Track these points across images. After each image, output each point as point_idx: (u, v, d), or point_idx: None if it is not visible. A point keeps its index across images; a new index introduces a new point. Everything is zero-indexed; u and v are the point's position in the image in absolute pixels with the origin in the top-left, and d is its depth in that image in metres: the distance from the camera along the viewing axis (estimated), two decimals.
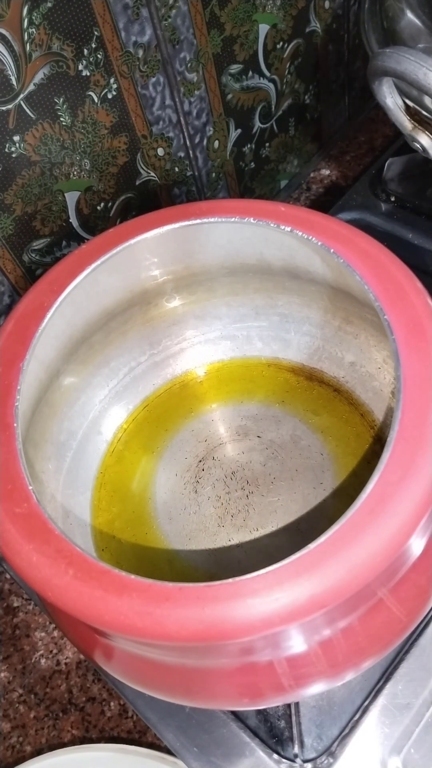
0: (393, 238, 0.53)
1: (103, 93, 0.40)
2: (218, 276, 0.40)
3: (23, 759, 0.41)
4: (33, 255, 0.42)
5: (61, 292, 0.33)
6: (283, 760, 0.37)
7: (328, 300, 0.39)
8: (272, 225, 0.33)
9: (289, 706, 0.38)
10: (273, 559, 0.24)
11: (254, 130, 0.53)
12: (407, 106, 0.44)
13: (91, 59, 0.38)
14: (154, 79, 0.42)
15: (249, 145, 0.54)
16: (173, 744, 0.38)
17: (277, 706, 0.38)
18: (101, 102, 0.40)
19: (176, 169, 0.49)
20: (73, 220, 0.43)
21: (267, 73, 0.51)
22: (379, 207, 0.55)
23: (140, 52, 0.40)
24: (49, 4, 0.34)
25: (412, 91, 0.42)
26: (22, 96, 0.36)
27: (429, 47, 0.44)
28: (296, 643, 0.27)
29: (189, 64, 0.44)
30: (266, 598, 0.23)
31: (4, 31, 0.33)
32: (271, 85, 0.52)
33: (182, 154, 0.48)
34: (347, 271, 0.31)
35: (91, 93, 0.39)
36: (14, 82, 0.35)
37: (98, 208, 0.45)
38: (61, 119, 0.38)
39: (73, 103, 0.38)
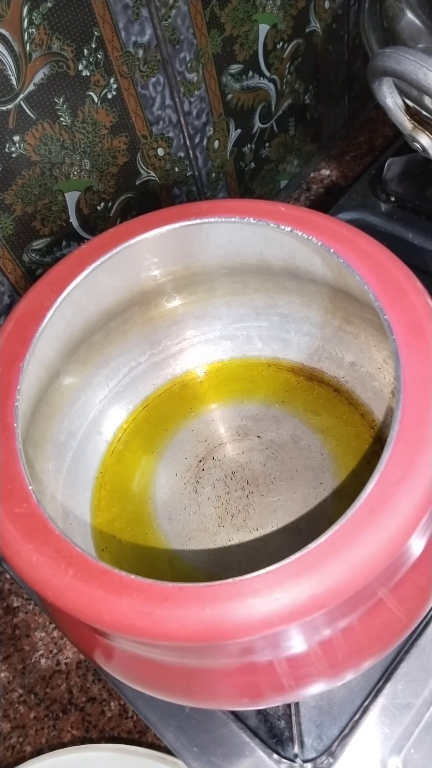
0: (393, 238, 0.53)
1: (103, 93, 0.40)
2: (218, 276, 0.40)
3: (23, 759, 0.41)
4: (33, 255, 0.42)
5: (61, 292, 0.33)
6: (283, 760, 0.37)
7: (328, 300, 0.39)
8: (272, 225, 0.33)
9: (289, 706, 0.38)
10: (273, 559, 0.24)
11: (254, 130, 0.53)
12: (407, 106, 0.44)
13: (91, 59, 0.38)
14: (154, 79, 0.42)
15: (249, 145, 0.54)
16: (173, 744, 0.38)
17: (277, 706, 0.38)
18: (101, 102, 0.40)
19: (176, 169, 0.49)
20: (73, 220, 0.43)
21: (267, 73, 0.51)
22: (379, 207, 0.55)
23: (140, 52, 0.40)
24: (49, 4, 0.34)
25: (412, 91, 0.42)
26: (22, 96, 0.36)
27: (429, 47, 0.44)
28: (296, 643, 0.27)
29: (189, 64, 0.44)
30: (266, 598, 0.23)
31: (4, 31, 0.33)
32: (271, 85, 0.52)
33: (182, 154, 0.48)
34: (347, 271, 0.31)
35: (91, 93, 0.39)
36: (14, 82, 0.35)
37: (98, 208, 0.45)
38: (61, 119, 0.38)
39: (73, 103, 0.38)
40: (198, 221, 0.34)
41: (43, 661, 0.44)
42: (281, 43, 0.50)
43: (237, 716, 0.38)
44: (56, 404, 0.38)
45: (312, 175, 0.64)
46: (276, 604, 0.23)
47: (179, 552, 0.38)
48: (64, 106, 0.38)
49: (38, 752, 0.41)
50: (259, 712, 0.38)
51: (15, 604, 0.47)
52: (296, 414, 0.42)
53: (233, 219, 0.34)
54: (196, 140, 0.49)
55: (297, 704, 0.37)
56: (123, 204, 0.46)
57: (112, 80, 0.40)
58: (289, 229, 0.33)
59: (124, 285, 0.37)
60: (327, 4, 0.53)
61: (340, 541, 0.24)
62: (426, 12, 0.44)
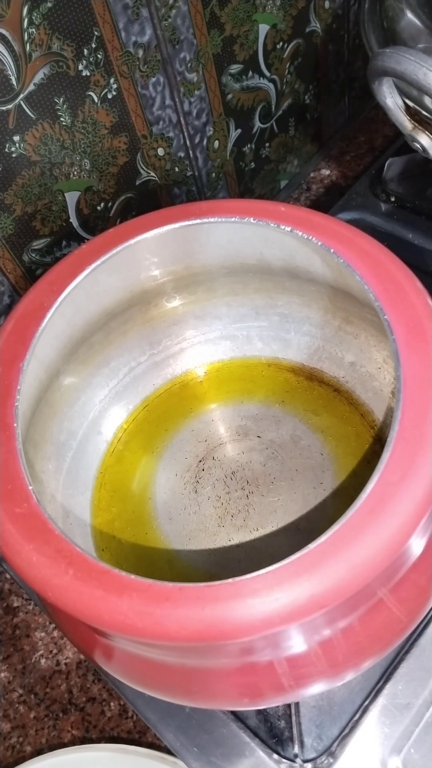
0: (393, 238, 0.53)
1: (103, 93, 0.40)
2: (218, 276, 0.40)
3: (23, 759, 0.41)
4: (33, 255, 0.42)
5: (61, 292, 0.33)
6: (283, 760, 0.37)
7: (328, 300, 0.39)
8: (272, 225, 0.33)
9: (289, 706, 0.38)
10: (273, 559, 0.24)
11: (254, 130, 0.53)
12: (407, 106, 0.44)
13: (91, 59, 0.38)
14: (154, 79, 0.42)
15: (249, 145, 0.54)
16: (173, 744, 0.38)
17: (277, 706, 0.38)
18: (101, 102, 0.40)
19: (176, 169, 0.49)
20: (73, 220, 0.43)
21: (267, 73, 0.51)
22: (379, 207, 0.55)
23: (140, 52, 0.40)
24: (49, 4, 0.34)
25: (412, 91, 0.42)
26: (22, 96, 0.36)
27: (429, 47, 0.44)
28: (296, 643, 0.27)
29: (189, 64, 0.44)
30: (266, 598, 0.23)
31: (4, 31, 0.33)
32: (271, 85, 0.52)
33: (182, 154, 0.48)
34: (347, 271, 0.31)
35: (91, 93, 0.39)
36: (14, 82, 0.35)
37: (98, 208, 0.45)
38: (61, 119, 0.38)
39: (73, 103, 0.38)
40: (198, 221, 0.34)
41: (43, 661, 0.44)
42: (281, 43, 0.50)
43: (237, 716, 0.38)
44: (56, 404, 0.38)
45: (312, 175, 0.64)
46: (276, 604, 0.23)
47: (179, 552, 0.38)
48: (64, 106, 0.38)
49: (38, 752, 0.41)
50: (259, 712, 0.38)
51: (15, 604, 0.47)
52: (296, 414, 0.42)
53: (233, 219, 0.34)
54: (196, 140, 0.49)
55: (297, 704, 0.37)
56: (123, 204, 0.46)
57: (112, 80, 0.40)
58: (289, 229, 0.33)
59: (124, 285, 0.37)
60: (327, 4, 0.53)
61: (340, 541, 0.24)
62: (426, 12, 0.44)
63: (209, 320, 0.44)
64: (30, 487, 0.27)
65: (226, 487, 0.40)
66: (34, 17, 0.34)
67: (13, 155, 0.37)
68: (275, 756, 0.37)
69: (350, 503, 0.24)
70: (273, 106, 0.54)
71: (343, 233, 0.32)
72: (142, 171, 0.46)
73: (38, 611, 0.46)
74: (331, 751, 0.37)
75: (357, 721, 0.37)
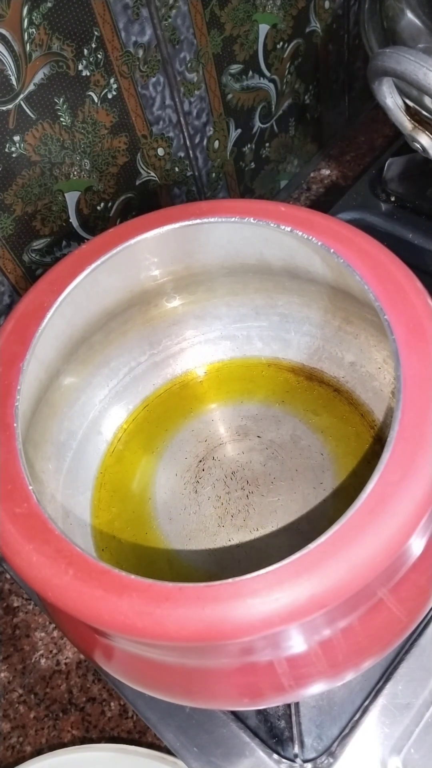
0: (393, 238, 0.53)
1: (103, 93, 0.40)
2: (218, 276, 0.40)
3: (23, 759, 0.41)
4: (33, 255, 0.42)
5: (61, 292, 0.33)
6: (283, 760, 0.37)
7: (328, 300, 0.39)
8: (272, 225, 0.33)
9: (289, 706, 0.38)
10: (273, 559, 0.24)
11: (254, 130, 0.53)
12: (407, 106, 0.44)
13: (91, 59, 0.38)
14: (154, 79, 0.42)
15: (249, 145, 0.54)
16: (173, 744, 0.38)
17: (277, 706, 0.38)
18: (101, 102, 0.40)
19: (176, 169, 0.49)
20: (73, 220, 0.43)
21: (267, 73, 0.51)
22: (379, 207, 0.55)
23: (140, 52, 0.40)
24: (49, 4, 0.34)
25: (412, 91, 0.43)
26: (22, 96, 0.36)
27: (429, 47, 0.44)
28: (296, 643, 0.27)
29: (189, 64, 0.44)
30: (266, 598, 0.23)
31: (4, 31, 0.33)
32: (271, 85, 0.52)
33: (182, 154, 0.48)
34: (347, 271, 0.31)
35: (91, 93, 0.39)
36: (14, 82, 0.35)
37: (98, 208, 0.45)
38: (61, 119, 0.38)
39: (73, 103, 0.38)
40: (198, 221, 0.34)
41: (43, 661, 0.44)
42: (281, 43, 0.50)
43: (237, 716, 0.38)
44: (56, 404, 0.38)
45: (312, 175, 0.64)
46: (276, 604, 0.23)
47: (179, 552, 0.38)
48: (64, 106, 0.38)
49: (38, 752, 0.41)
50: (259, 712, 0.38)
51: (15, 604, 0.47)
52: (296, 414, 0.42)
53: (233, 219, 0.34)
54: (196, 140, 0.49)
55: (297, 704, 0.37)
56: (123, 204, 0.46)
57: (112, 80, 0.40)
58: (289, 229, 0.33)
59: (124, 285, 0.37)
60: (327, 4, 0.53)
61: (340, 541, 0.24)
62: (426, 12, 0.44)
63: (209, 320, 0.44)
64: (30, 487, 0.27)
65: (226, 487, 0.40)
66: (34, 17, 0.34)
67: (13, 155, 0.37)
68: (275, 756, 0.37)
69: (350, 503, 0.24)
70: (273, 106, 0.54)
71: (343, 233, 0.32)
72: (142, 171, 0.46)
73: (38, 611, 0.46)
74: (331, 751, 0.37)
75: (357, 721, 0.37)
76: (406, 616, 0.30)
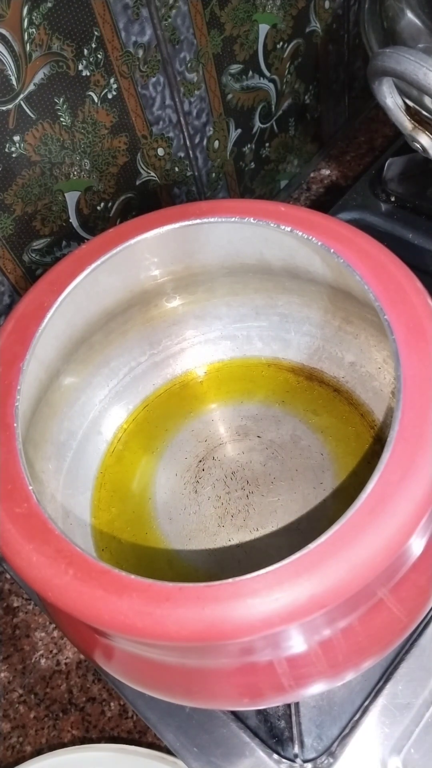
0: (393, 238, 0.53)
1: (103, 93, 0.40)
2: (218, 276, 0.40)
3: (23, 759, 0.41)
4: (33, 255, 0.42)
5: (61, 292, 0.33)
6: (283, 760, 0.37)
7: (328, 300, 0.39)
8: (272, 225, 0.33)
9: (289, 706, 0.38)
10: (273, 559, 0.24)
11: (254, 130, 0.53)
12: (407, 106, 0.44)
13: (91, 59, 0.38)
14: (154, 79, 0.42)
15: (249, 145, 0.54)
16: (173, 744, 0.38)
17: (277, 706, 0.38)
18: (101, 102, 0.40)
19: (176, 169, 0.49)
20: (73, 220, 0.43)
21: (267, 73, 0.51)
22: (379, 207, 0.55)
23: (140, 52, 0.40)
24: (49, 4, 0.34)
25: (412, 91, 0.42)
26: (22, 96, 0.36)
27: (429, 47, 0.44)
28: (296, 643, 0.27)
29: (189, 64, 0.44)
30: (266, 598, 0.23)
31: (4, 31, 0.33)
32: (271, 85, 0.52)
33: (182, 154, 0.48)
34: (347, 271, 0.31)
35: (91, 93, 0.39)
36: (14, 82, 0.35)
37: (98, 208, 0.45)
38: (61, 119, 0.38)
39: (73, 103, 0.38)
40: (198, 221, 0.34)
41: (43, 661, 0.44)
42: (281, 43, 0.50)
43: (237, 716, 0.38)
44: (56, 404, 0.38)
45: (312, 175, 0.64)
46: (276, 604, 0.23)
47: (179, 552, 0.38)
48: (64, 106, 0.38)
49: (38, 752, 0.41)
50: (259, 712, 0.38)
51: (15, 604, 0.47)
52: (296, 414, 0.42)
53: (233, 219, 0.34)
54: (196, 140, 0.49)
55: (297, 704, 0.37)
56: (123, 204, 0.46)
57: (112, 80, 0.40)
58: (289, 229, 0.33)
59: (124, 285, 0.37)
60: (327, 4, 0.53)
61: (340, 541, 0.24)
62: (426, 12, 0.44)
63: (209, 320, 0.44)
64: (30, 487, 0.27)
65: (226, 487, 0.40)
66: (34, 17, 0.34)
67: (13, 155, 0.37)
68: (275, 756, 0.37)
69: (350, 503, 0.24)
70: (273, 106, 0.54)
71: (343, 233, 0.32)
72: (142, 171, 0.46)
73: (38, 611, 0.46)
74: (331, 751, 0.37)
75: (357, 721, 0.37)
76: (406, 616, 0.30)
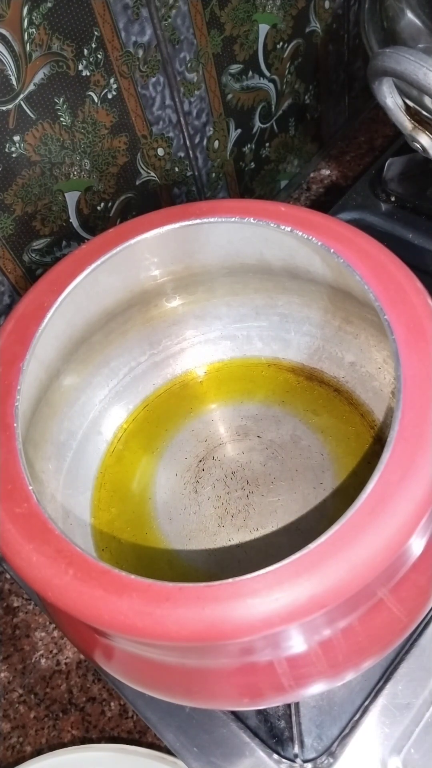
0: (393, 238, 0.53)
1: (103, 93, 0.40)
2: (218, 276, 0.40)
3: (23, 759, 0.41)
4: (33, 255, 0.42)
5: (61, 292, 0.33)
6: (283, 760, 0.37)
7: (328, 300, 0.39)
8: (272, 225, 0.33)
9: (289, 706, 0.38)
10: (273, 559, 0.24)
11: (254, 130, 0.53)
12: (407, 106, 0.44)
13: (91, 59, 0.38)
14: (154, 79, 0.42)
15: (249, 145, 0.54)
16: (173, 744, 0.38)
17: (277, 706, 0.38)
18: (101, 102, 0.40)
19: (176, 169, 0.49)
20: (73, 220, 0.43)
21: (267, 73, 0.51)
22: (379, 207, 0.55)
23: (140, 52, 0.40)
24: (49, 4, 0.34)
25: (412, 91, 0.42)
26: (22, 96, 0.36)
27: (429, 47, 0.44)
28: (296, 643, 0.27)
29: (189, 64, 0.44)
30: (266, 598, 0.23)
31: (4, 31, 0.33)
32: (271, 85, 0.52)
33: (182, 154, 0.48)
34: (347, 271, 0.31)
35: (91, 93, 0.39)
36: (14, 82, 0.35)
37: (98, 208, 0.45)
38: (61, 119, 0.38)
39: (73, 103, 0.38)
40: (198, 221, 0.34)
41: (43, 661, 0.44)
42: (281, 43, 0.50)
43: (237, 716, 0.38)
44: (56, 404, 0.38)
45: (312, 175, 0.64)
46: (276, 604, 0.23)
47: (179, 552, 0.38)
48: (64, 106, 0.38)
49: (38, 752, 0.41)
50: (259, 712, 0.38)
51: (15, 604, 0.47)
52: (296, 414, 0.42)
53: (233, 219, 0.34)
54: (196, 140, 0.49)
55: (297, 704, 0.37)
56: (123, 204, 0.46)
57: (112, 80, 0.40)
58: (289, 229, 0.33)
59: (124, 285, 0.37)
60: (327, 4, 0.53)
61: (340, 541, 0.24)
62: (426, 12, 0.44)
63: (209, 320, 0.44)
64: (30, 487, 0.27)
65: (226, 487, 0.40)
66: (34, 17, 0.34)
67: (13, 155, 0.37)
68: (275, 756, 0.37)
69: (350, 503, 0.24)
70: (273, 106, 0.54)
71: (343, 233, 0.32)
72: (142, 171, 0.46)
73: (38, 611, 0.46)
74: (331, 751, 0.37)
75: (357, 721, 0.37)
76: (406, 616, 0.30)
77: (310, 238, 0.32)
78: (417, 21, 0.44)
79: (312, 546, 0.24)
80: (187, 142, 0.48)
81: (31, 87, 0.36)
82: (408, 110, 0.44)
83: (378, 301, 0.29)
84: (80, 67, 0.38)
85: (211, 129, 0.49)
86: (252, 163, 0.56)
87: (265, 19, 0.47)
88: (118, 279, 0.36)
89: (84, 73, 0.38)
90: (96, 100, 0.40)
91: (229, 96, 0.49)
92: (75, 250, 0.34)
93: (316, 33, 0.53)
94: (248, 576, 0.24)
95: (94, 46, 0.38)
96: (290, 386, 0.43)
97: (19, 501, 0.27)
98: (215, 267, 0.39)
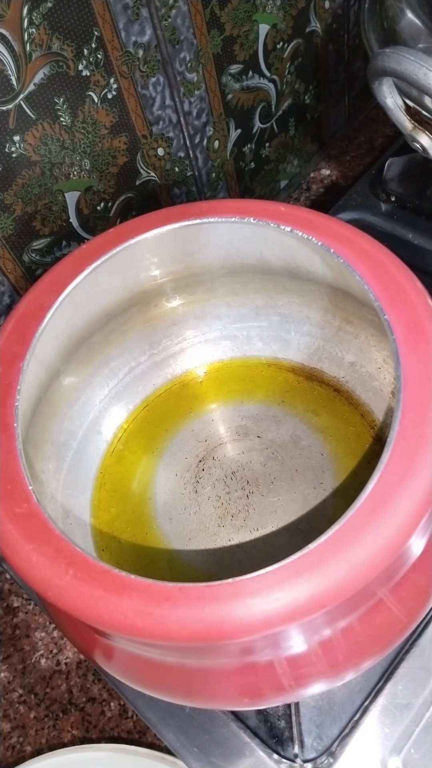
0: (393, 238, 0.53)
1: (103, 93, 0.40)
2: (218, 276, 0.40)
3: (23, 759, 0.41)
4: (33, 255, 0.42)
5: (61, 292, 0.33)
6: (283, 760, 0.37)
7: (328, 300, 0.39)
8: (272, 225, 0.33)
9: (289, 706, 0.38)
10: (273, 559, 0.24)
11: (254, 130, 0.53)
12: (407, 106, 0.44)
13: (91, 59, 0.38)
14: (154, 79, 0.42)
15: (249, 145, 0.54)
16: (173, 744, 0.38)
17: (277, 706, 0.38)
18: (101, 102, 0.40)
19: (176, 169, 0.49)
20: (73, 220, 0.43)
21: (267, 73, 0.51)
22: (379, 207, 0.55)
23: (140, 52, 0.40)
24: (49, 4, 0.34)
25: (412, 91, 0.42)
26: (22, 96, 0.36)
27: (429, 47, 0.44)
28: (296, 643, 0.27)
29: (189, 64, 0.44)
30: (266, 598, 0.23)
31: (4, 31, 0.33)
32: (271, 85, 0.52)
33: (182, 154, 0.48)
34: (347, 271, 0.31)
35: (91, 93, 0.39)
36: (14, 82, 0.35)
37: (98, 208, 0.45)
38: (61, 119, 0.38)
39: (73, 103, 0.38)
40: (198, 221, 0.34)
41: (43, 661, 0.44)
42: (281, 43, 0.50)
43: (237, 716, 0.38)
44: (56, 404, 0.38)
45: (312, 175, 0.64)
46: (276, 604, 0.23)
47: (179, 552, 0.38)
48: (64, 106, 0.38)
49: (38, 752, 0.41)
50: (259, 712, 0.38)
51: (15, 604, 0.47)
52: (296, 414, 0.42)
53: (233, 219, 0.34)
54: (196, 140, 0.49)
55: (297, 704, 0.37)
56: (123, 204, 0.46)
57: (112, 80, 0.40)
58: (289, 229, 0.33)
59: (124, 285, 0.37)
60: (327, 4, 0.53)
61: (340, 541, 0.24)
62: (426, 12, 0.44)
63: (209, 320, 0.44)
64: (30, 487, 0.27)
65: (226, 487, 0.40)
66: (34, 17, 0.34)
67: (13, 155, 0.37)
68: (275, 756, 0.37)
69: (350, 503, 0.24)
70: (273, 106, 0.54)
71: (343, 233, 0.32)
72: (142, 171, 0.46)
73: (38, 611, 0.46)
74: (331, 751, 0.37)
75: (357, 721, 0.37)
76: (406, 616, 0.30)
77: (310, 238, 0.32)
78: (417, 21, 0.44)
79: (312, 546, 0.24)
80: (187, 142, 0.48)
81: (31, 87, 0.36)
82: (408, 110, 0.44)
83: (378, 301, 0.29)
84: (80, 67, 0.38)
85: (211, 129, 0.49)
86: (252, 163, 0.56)
87: (265, 19, 0.47)
88: (118, 279, 0.36)
89: (84, 73, 0.38)
90: (96, 100, 0.40)
91: (229, 96, 0.49)
92: (75, 250, 0.34)
93: (316, 33, 0.53)
94: (248, 576, 0.24)
95: (94, 46, 0.38)
96: (290, 386, 0.43)
97: (19, 501, 0.27)
98: (215, 267, 0.39)
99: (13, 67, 0.34)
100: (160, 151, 0.46)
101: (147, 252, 0.36)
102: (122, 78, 0.40)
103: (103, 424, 0.42)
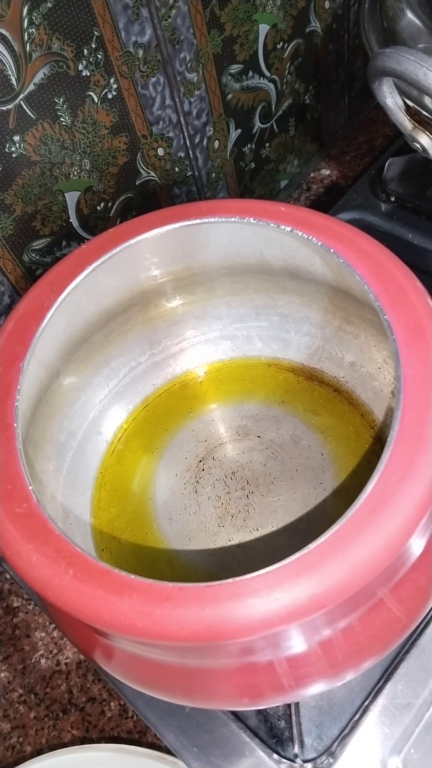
0: (393, 238, 0.53)
1: (103, 93, 0.40)
2: (218, 276, 0.40)
3: (23, 759, 0.41)
4: (33, 255, 0.42)
5: (61, 292, 0.33)
6: (283, 760, 0.37)
7: (328, 300, 0.39)
8: (272, 225, 0.33)
9: (289, 706, 0.38)
10: (273, 559, 0.24)
11: (254, 130, 0.53)
12: (407, 106, 0.44)
13: (91, 59, 0.38)
14: (154, 79, 0.42)
15: (249, 145, 0.54)
16: (173, 744, 0.38)
17: (277, 706, 0.38)
18: (101, 102, 0.40)
19: (176, 169, 0.49)
20: (73, 220, 0.43)
21: (267, 73, 0.51)
22: (379, 207, 0.55)
23: (140, 52, 0.40)
24: (49, 4, 0.34)
25: (412, 91, 0.42)
26: (22, 96, 0.36)
27: (429, 47, 0.44)
28: (296, 643, 0.27)
29: (189, 64, 0.44)
30: (266, 598, 0.23)
31: (4, 31, 0.33)
32: (271, 85, 0.52)
33: (182, 154, 0.48)
34: (347, 271, 0.31)
35: (91, 93, 0.39)
36: (14, 82, 0.35)
37: (98, 208, 0.45)
38: (61, 119, 0.38)
39: (73, 103, 0.38)
40: (198, 221, 0.34)
41: (43, 661, 0.44)
42: (281, 43, 0.50)
43: (237, 716, 0.38)
44: (56, 404, 0.38)
45: (312, 175, 0.64)
46: (276, 604, 0.23)
47: (179, 552, 0.38)
48: (64, 106, 0.38)
49: (38, 752, 0.41)
50: (259, 712, 0.38)
51: (15, 604, 0.47)
52: (296, 414, 0.42)
53: (233, 219, 0.34)
54: (196, 140, 0.49)
55: (297, 704, 0.37)
56: (123, 204, 0.46)
57: (112, 80, 0.40)
58: (289, 229, 0.33)
59: (124, 285, 0.37)
60: (327, 4, 0.53)
61: (340, 541, 0.24)
62: (426, 12, 0.44)
63: (209, 320, 0.44)
64: (30, 487, 0.27)
65: (226, 487, 0.40)
66: (34, 17, 0.34)
67: (13, 155, 0.37)
68: (275, 756, 0.37)
69: (350, 503, 0.24)
70: (273, 106, 0.54)
71: (343, 233, 0.32)
72: (142, 171, 0.46)
73: (38, 611, 0.46)
74: (331, 751, 0.37)
75: (357, 721, 0.37)
76: (406, 616, 0.30)
77: (310, 238, 0.32)
78: (417, 21, 0.44)
79: (312, 546, 0.24)
80: (187, 142, 0.48)
81: (31, 87, 0.36)
82: (408, 110, 0.44)
83: (378, 301, 0.29)
84: (80, 67, 0.38)
85: (211, 129, 0.49)
86: (252, 163, 0.56)
87: (265, 19, 0.47)
88: (118, 279, 0.36)
89: (84, 73, 0.38)
90: (96, 100, 0.40)
91: (229, 96, 0.49)
92: (75, 250, 0.34)
93: (316, 33, 0.53)
94: (248, 576, 0.24)
95: (94, 46, 0.38)
96: (290, 386, 0.43)
97: (19, 501, 0.27)
98: (215, 267, 0.39)
99: (13, 67, 0.34)
100: (160, 151, 0.46)
101: (147, 252, 0.36)
102: (122, 78, 0.40)
103: (103, 424, 0.42)
